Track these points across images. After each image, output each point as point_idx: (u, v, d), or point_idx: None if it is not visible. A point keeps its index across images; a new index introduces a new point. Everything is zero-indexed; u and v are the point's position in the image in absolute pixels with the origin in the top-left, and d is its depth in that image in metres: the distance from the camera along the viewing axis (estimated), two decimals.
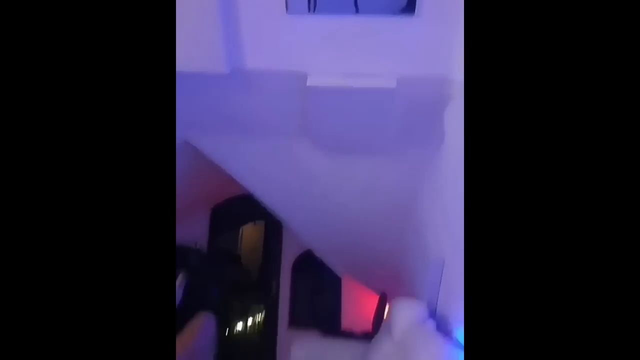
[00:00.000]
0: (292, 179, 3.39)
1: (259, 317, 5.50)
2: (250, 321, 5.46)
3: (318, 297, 4.58)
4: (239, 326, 5.18)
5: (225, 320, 3.75)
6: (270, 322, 4.71)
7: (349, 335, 3.80)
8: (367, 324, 3.99)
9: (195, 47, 1.85)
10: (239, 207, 4.82)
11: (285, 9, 1.78)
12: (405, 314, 2.31)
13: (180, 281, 1.63)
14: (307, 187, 3.41)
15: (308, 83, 2.00)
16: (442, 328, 2.16)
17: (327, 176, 3.23)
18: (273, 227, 5.00)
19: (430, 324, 2.22)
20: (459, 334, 1.95)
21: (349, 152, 2.94)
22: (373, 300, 4.04)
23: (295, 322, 4.51)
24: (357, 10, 1.74)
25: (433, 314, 2.37)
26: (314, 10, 1.76)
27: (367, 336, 3.44)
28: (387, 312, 3.06)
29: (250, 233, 6.40)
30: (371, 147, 2.82)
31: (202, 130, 3.14)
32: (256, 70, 2.03)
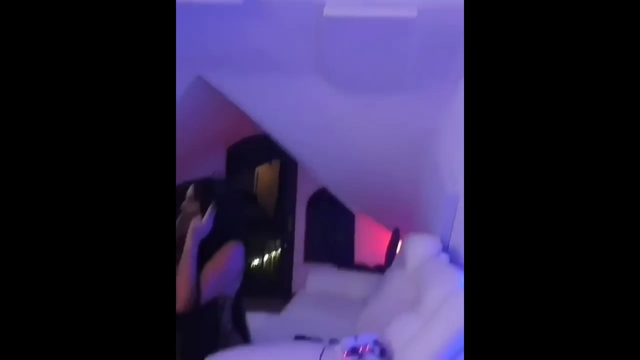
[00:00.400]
0: (307, 116, 3.35)
1: (275, 253, 5.68)
2: (266, 257, 5.65)
3: (332, 233, 4.68)
4: (256, 262, 5.37)
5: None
6: (286, 257, 4.87)
7: (362, 268, 3.92)
8: (379, 258, 4.10)
9: None
10: (254, 147, 4.82)
11: None
12: (418, 248, 2.36)
13: (210, 210, 1.64)
14: (322, 125, 3.37)
15: (325, 13, 1.93)
16: (455, 261, 2.21)
17: (343, 113, 3.18)
18: (288, 166, 5.03)
19: (443, 257, 2.27)
20: None
21: (365, 88, 2.88)
22: (386, 236, 4.12)
23: (310, 257, 4.66)
24: None
25: (446, 248, 2.42)
26: None
27: (380, 269, 3.54)
28: (400, 247, 3.13)
29: (265, 173, 6.46)
30: (389, 82, 2.75)
31: (216, 65, 3.06)
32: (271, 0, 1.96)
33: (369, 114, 3.08)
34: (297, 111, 3.31)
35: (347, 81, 2.79)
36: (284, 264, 4.92)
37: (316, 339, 1.64)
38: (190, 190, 1.69)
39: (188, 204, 1.66)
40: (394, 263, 2.89)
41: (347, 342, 1.46)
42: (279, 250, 5.42)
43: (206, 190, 1.71)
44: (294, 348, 1.66)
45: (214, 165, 4.65)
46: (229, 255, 1.64)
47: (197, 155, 4.45)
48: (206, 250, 1.61)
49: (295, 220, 4.78)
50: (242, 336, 1.71)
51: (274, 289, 4.60)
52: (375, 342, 1.48)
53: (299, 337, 1.79)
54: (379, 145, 3.26)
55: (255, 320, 1.83)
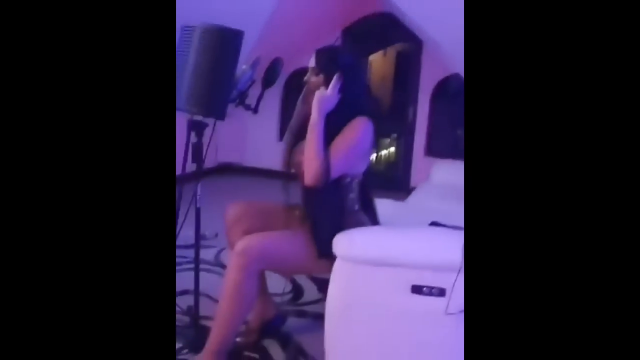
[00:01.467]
0: None
1: (392, 146, 5.43)
2: (382, 151, 5.44)
3: (459, 126, 4.23)
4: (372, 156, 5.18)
5: None
6: (404, 150, 4.58)
7: None
8: None
9: None
10: (374, 28, 4.38)
11: None
12: None
13: (335, 81, 1.46)
14: None
15: None
16: None
17: None
18: (410, 50, 4.54)
19: None
20: None
21: None
22: None
23: (433, 151, 4.30)
24: None
25: None
26: None
27: None
28: None
29: (379, 61, 6.02)
30: None
31: None
32: None
33: None
34: None
35: None
36: (402, 157, 4.66)
37: (455, 227, 1.43)
38: (312, 61, 1.57)
39: (311, 76, 1.57)
40: None
41: None
42: (396, 143, 5.16)
43: (330, 59, 1.56)
44: (433, 233, 1.47)
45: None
46: (358, 130, 1.51)
47: (310, 37, 4.16)
48: (333, 125, 1.50)
49: (417, 111, 4.39)
50: (370, 218, 1.62)
51: (390, 183, 4.39)
52: None
53: (435, 224, 1.60)
54: None
55: (379, 205, 1.68)
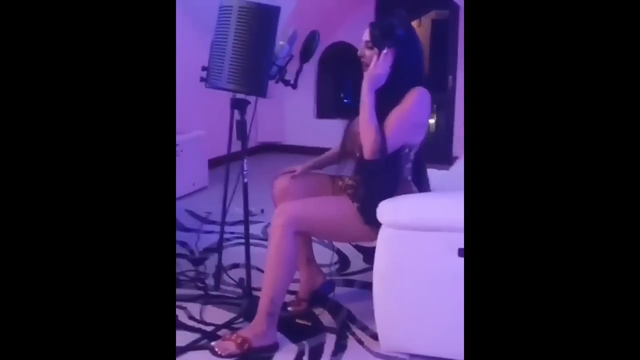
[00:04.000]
0: None
1: (432, 119, 5.34)
2: None
3: None
4: None
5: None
6: (446, 121, 4.50)
7: None
8: None
9: None
10: None
11: None
12: None
13: (383, 55, 1.49)
14: None
15: None
16: None
17: None
18: (447, 17, 4.40)
19: None
20: None
21: None
22: None
23: None
24: None
25: None
26: None
27: None
28: None
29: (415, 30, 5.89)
30: None
31: None
32: None
33: None
34: None
35: None
36: (443, 127, 4.58)
37: None
38: (366, 34, 1.56)
39: (364, 50, 1.56)
40: None
41: None
42: (436, 114, 5.07)
43: (383, 33, 1.53)
44: None
45: (364, 17, 4.27)
46: (413, 101, 1.51)
47: (343, 9, 4.11)
48: (390, 98, 1.51)
49: (457, 78, 4.28)
50: (422, 188, 1.64)
51: (432, 154, 4.32)
52: None
53: None
54: None
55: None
